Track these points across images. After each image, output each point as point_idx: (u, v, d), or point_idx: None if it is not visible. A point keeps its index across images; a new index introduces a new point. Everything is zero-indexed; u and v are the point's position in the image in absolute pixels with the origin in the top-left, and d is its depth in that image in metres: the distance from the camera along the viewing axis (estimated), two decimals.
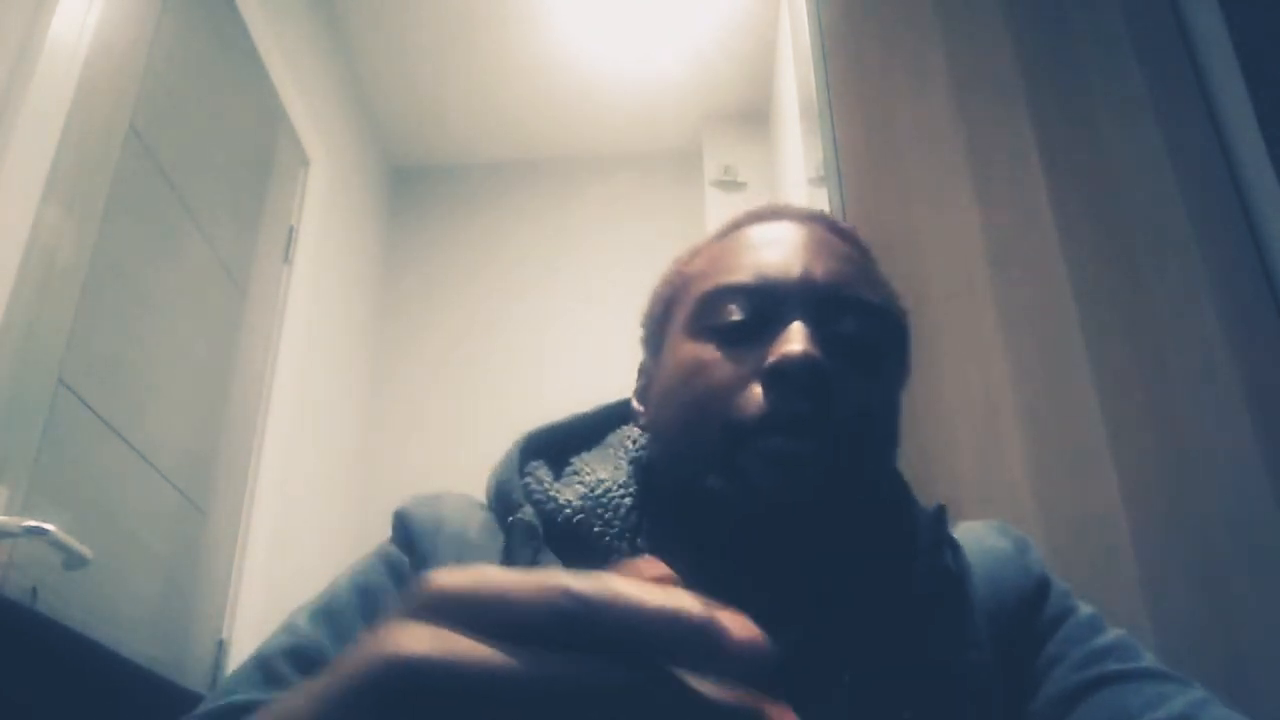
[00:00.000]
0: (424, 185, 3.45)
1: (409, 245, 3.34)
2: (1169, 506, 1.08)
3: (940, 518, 0.61)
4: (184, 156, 1.87)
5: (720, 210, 3.05)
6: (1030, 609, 0.60)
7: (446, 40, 2.94)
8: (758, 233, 0.63)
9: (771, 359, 0.54)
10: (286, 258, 2.41)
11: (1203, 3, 1.33)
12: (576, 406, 0.70)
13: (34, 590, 1.32)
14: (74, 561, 1.35)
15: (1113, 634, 0.59)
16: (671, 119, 3.25)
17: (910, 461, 1.12)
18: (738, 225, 0.66)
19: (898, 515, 0.62)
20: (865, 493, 0.57)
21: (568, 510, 0.59)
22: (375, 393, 3.09)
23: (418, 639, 0.24)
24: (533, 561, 0.56)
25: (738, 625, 0.24)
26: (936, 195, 1.28)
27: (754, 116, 3.19)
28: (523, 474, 0.62)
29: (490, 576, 0.26)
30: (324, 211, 2.64)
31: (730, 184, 3.10)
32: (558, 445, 0.66)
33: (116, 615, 1.56)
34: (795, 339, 0.54)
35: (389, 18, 2.86)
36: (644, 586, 0.25)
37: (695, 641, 0.23)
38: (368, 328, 3.13)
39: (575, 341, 3.03)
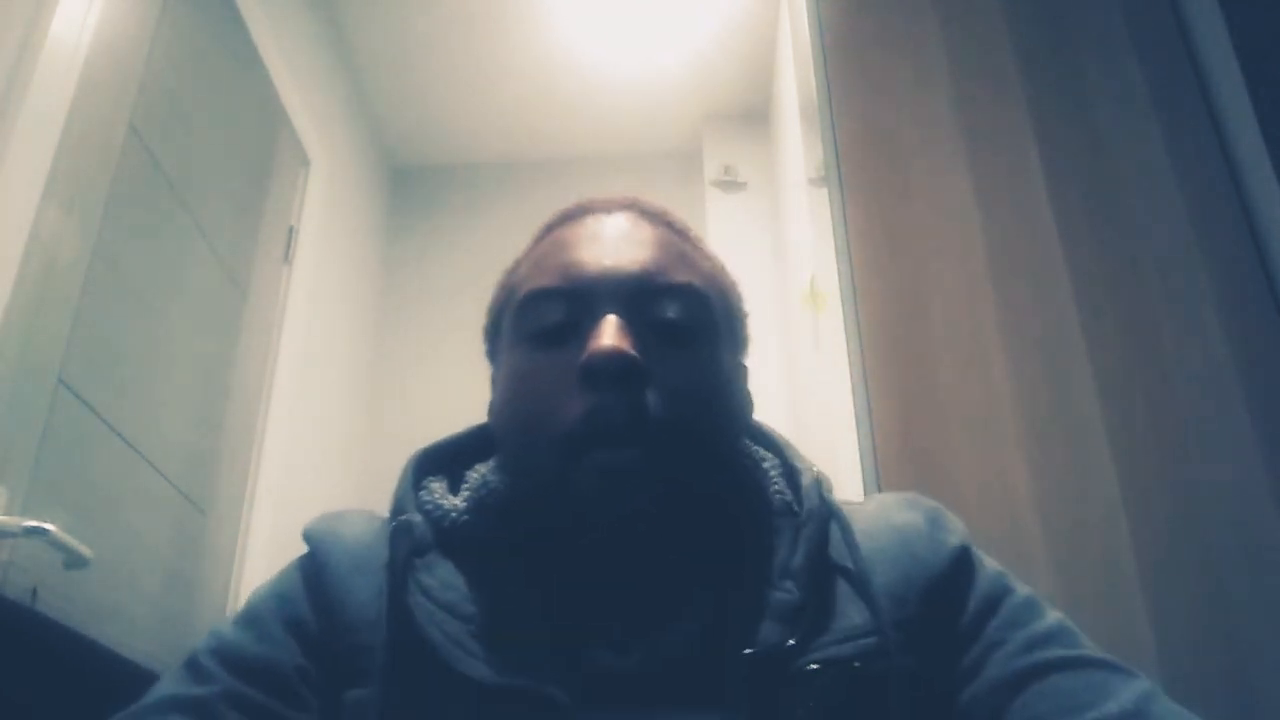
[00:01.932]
0: (424, 185, 3.45)
1: (409, 245, 3.34)
2: (1169, 506, 1.08)
3: (820, 490, 0.61)
4: (184, 156, 1.87)
5: (720, 210, 3.05)
6: (948, 586, 0.58)
7: (446, 41, 2.94)
8: (566, 232, 0.64)
9: (582, 358, 0.55)
10: (286, 258, 2.41)
11: (1203, 3, 1.33)
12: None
13: (34, 590, 1.32)
14: (74, 561, 1.35)
15: (1052, 618, 0.58)
16: (671, 119, 3.25)
17: (910, 462, 1.12)
18: (549, 227, 0.67)
19: (752, 496, 0.62)
20: (700, 483, 0.57)
21: (453, 514, 0.61)
22: (375, 392, 3.09)
23: None
24: (412, 553, 0.58)
25: None
26: (936, 195, 1.28)
27: (754, 116, 3.19)
28: (419, 489, 0.64)
29: None
30: (324, 211, 2.64)
31: (730, 184, 3.10)
32: (456, 459, 0.68)
33: (117, 615, 1.56)
34: (603, 334, 0.55)
35: (389, 18, 2.86)
36: None
37: None
38: (368, 328, 3.13)
39: None
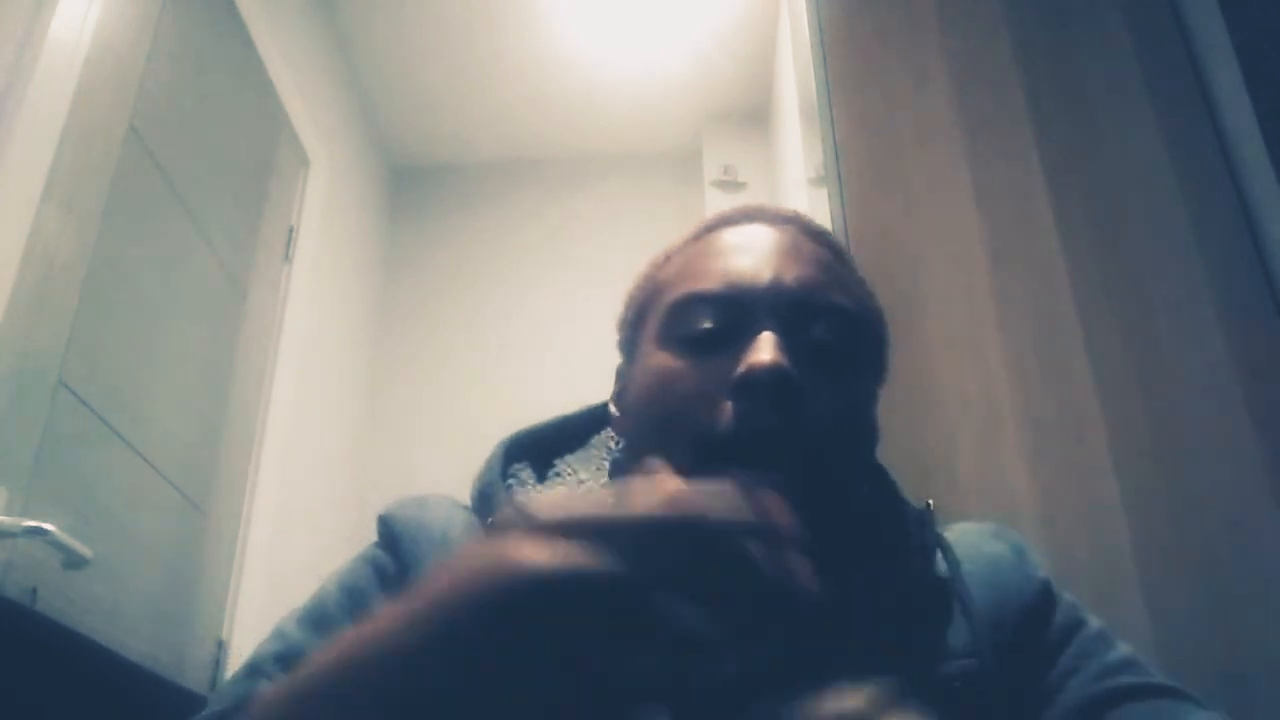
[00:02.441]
0: (424, 185, 3.45)
1: (409, 245, 3.34)
2: (1169, 506, 1.08)
3: (926, 519, 0.61)
4: (184, 156, 1.87)
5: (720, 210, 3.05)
6: (1036, 616, 0.60)
7: (446, 40, 2.94)
8: (728, 237, 0.63)
9: (740, 370, 0.53)
10: (286, 258, 2.41)
11: (1203, 3, 1.33)
12: (575, 406, 0.70)
13: (34, 590, 1.32)
14: (74, 561, 1.35)
15: (1124, 649, 0.60)
16: (671, 119, 3.25)
17: (910, 462, 1.12)
18: (710, 228, 0.65)
19: (882, 519, 0.61)
20: (839, 505, 0.56)
21: None
22: (375, 392, 3.09)
23: (538, 552, 0.27)
24: None
25: (778, 509, 0.32)
26: (936, 195, 1.28)
27: (754, 116, 3.19)
28: (506, 476, 0.62)
29: (587, 500, 0.30)
30: (324, 211, 2.64)
31: (730, 184, 3.10)
32: (542, 447, 0.66)
33: (116, 615, 1.56)
34: (764, 349, 0.53)
35: (389, 18, 2.86)
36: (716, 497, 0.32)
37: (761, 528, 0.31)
38: (368, 327, 3.13)
39: (574, 341, 3.03)
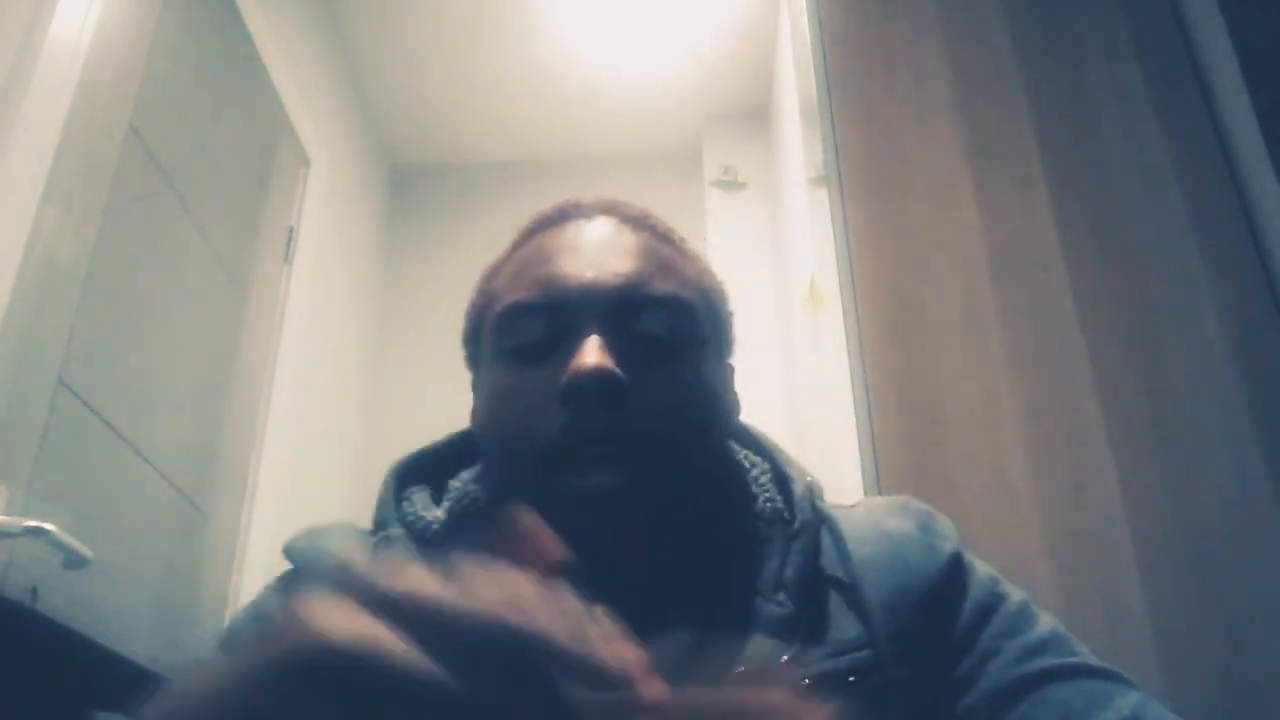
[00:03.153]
0: (424, 185, 3.45)
1: (409, 245, 3.34)
2: (1169, 506, 1.08)
3: (812, 498, 0.60)
4: (184, 156, 1.87)
5: (720, 210, 3.05)
6: (943, 596, 0.57)
7: (446, 40, 2.94)
8: (546, 241, 0.62)
9: (564, 378, 0.53)
10: (286, 258, 2.41)
11: (1203, 3, 1.33)
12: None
13: (34, 590, 1.32)
14: (74, 561, 1.35)
15: (1046, 624, 0.57)
16: (671, 119, 3.25)
17: (909, 461, 1.12)
18: (530, 233, 0.65)
19: (740, 507, 0.60)
20: (685, 501, 0.56)
21: (435, 526, 0.60)
22: (375, 392, 3.09)
23: (337, 620, 0.26)
24: None
25: (645, 680, 0.28)
26: (936, 195, 1.28)
27: (754, 116, 3.19)
28: (400, 500, 0.63)
29: (420, 578, 0.28)
30: (324, 211, 2.64)
31: (730, 184, 3.10)
32: (438, 468, 0.66)
33: (116, 615, 1.56)
34: (586, 353, 0.53)
35: (389, 18, 2.86)
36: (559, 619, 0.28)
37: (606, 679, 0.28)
38: (367, 327, 3.13)
39: None
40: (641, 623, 0.54)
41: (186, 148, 1.89)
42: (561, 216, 0.64)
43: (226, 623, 0.62)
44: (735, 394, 0.64)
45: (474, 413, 0.66)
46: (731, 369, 0.65)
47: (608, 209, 0.64)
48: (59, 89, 1.48)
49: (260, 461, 2.18)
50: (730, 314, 0.66)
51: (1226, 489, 1.08)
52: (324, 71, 2.79)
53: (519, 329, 0.58)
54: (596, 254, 0.59)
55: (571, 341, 0.55)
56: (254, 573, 2.05)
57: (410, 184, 3.44)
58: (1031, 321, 1.20)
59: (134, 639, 1.58)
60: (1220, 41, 1.29)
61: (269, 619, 0.59)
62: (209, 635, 1.92)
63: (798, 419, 2.38)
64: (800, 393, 2.35)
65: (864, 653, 0.53)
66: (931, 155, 1.31)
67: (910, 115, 1.34)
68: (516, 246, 0.66)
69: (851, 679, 0.52)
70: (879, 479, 1.12)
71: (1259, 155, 1.22)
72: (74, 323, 1.49)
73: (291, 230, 2.44)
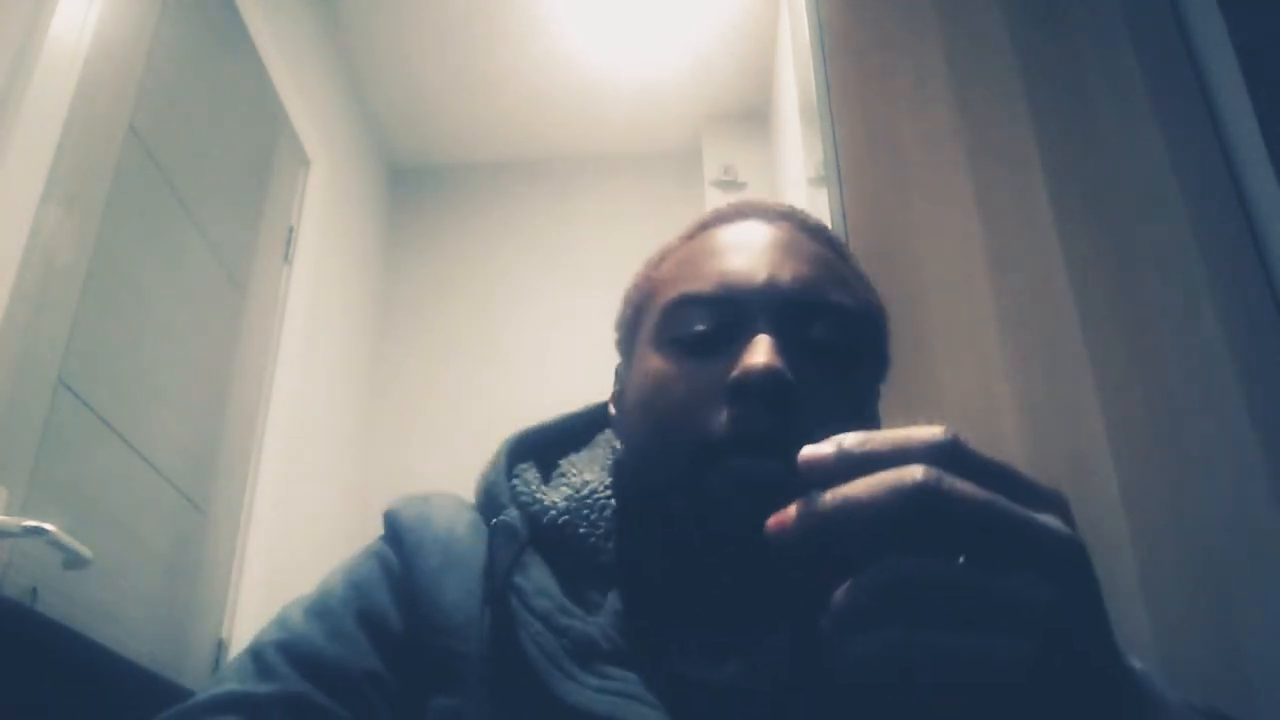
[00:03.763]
0: (424, 185, 3.45)
1: (409, 245, 3.34)
2: (1169, 506, 1.08)
3: None
4: (184, 156, 1.87)
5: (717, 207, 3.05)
6: None
7: (446, 40, 2.94)
8: (723, 236, 0.62)
9: (734, 374, 0.53)
10: (286, 258, 2.41)
11: (1203, 3, 1.33)
12: (575, 406, 0.70)
13: (34, 590, 1.32)
14: (74, 561, 1.35)
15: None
16: (671, 119, 3.25)
17: None
18: (704, 226, 0.65)
19: None
20: None
21: (553, 512, 0.59)
22: (375, 392, 3.09)
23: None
24: (514, 562, 0.56)
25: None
26: (936, 195, 1.28)
27: (754, 116, 3.19)
28: (511, 476, 0.62)
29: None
30: (324, 211, 2.64)
31: (730, 184, 3.10)
32: (547, 446, 0.65)
33: (116, 615, 1.56)
34: (758, 352, 0.53)
35: (389, 18, 2.86)
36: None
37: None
38: (368, 327, 3.13)
39: (574, 341, 3.03)
40: (753, 619, 0.54)
41: (186, 148, 1.89)
42: (739, 214, 0.64)
43: (319, 585, 0.60)
44: (879, 417, 0.64)
45: (618, 398, 0.65)
46: (880, 393, 0.64)
47: (786, 215, 0.64)
48: (59, 89, 1.48)
49: (260, 461, 2.18)
50: (889, 336, 0.65)
51: (1226, 488, 1.08)
52: (324, 71, 2.79)
53: (687, 319, 0.57)
54: (773, 254, 0.59)
55: (740, 339, 0.55)
56: (254, 573, 2.05)
57: (410, 184, 3.44)
58: (1031, 321, 1.20)
59: (134, 639, 1.58)
60: (1220, 41, 1.29)
61: (366, 587, 0.58)
62: (209, 636, 1.92)
63: None
64: None
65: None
66: (931, 155, 1.31)
67: (910, 115, 1.34)
68: (688, 238, 0.65)
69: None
70: None
71: (1259, 155, 1.22)
72: (74, 323, 1.49)
73: (291, 230, 2.44)
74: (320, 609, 0.57)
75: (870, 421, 0.61)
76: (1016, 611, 0.32)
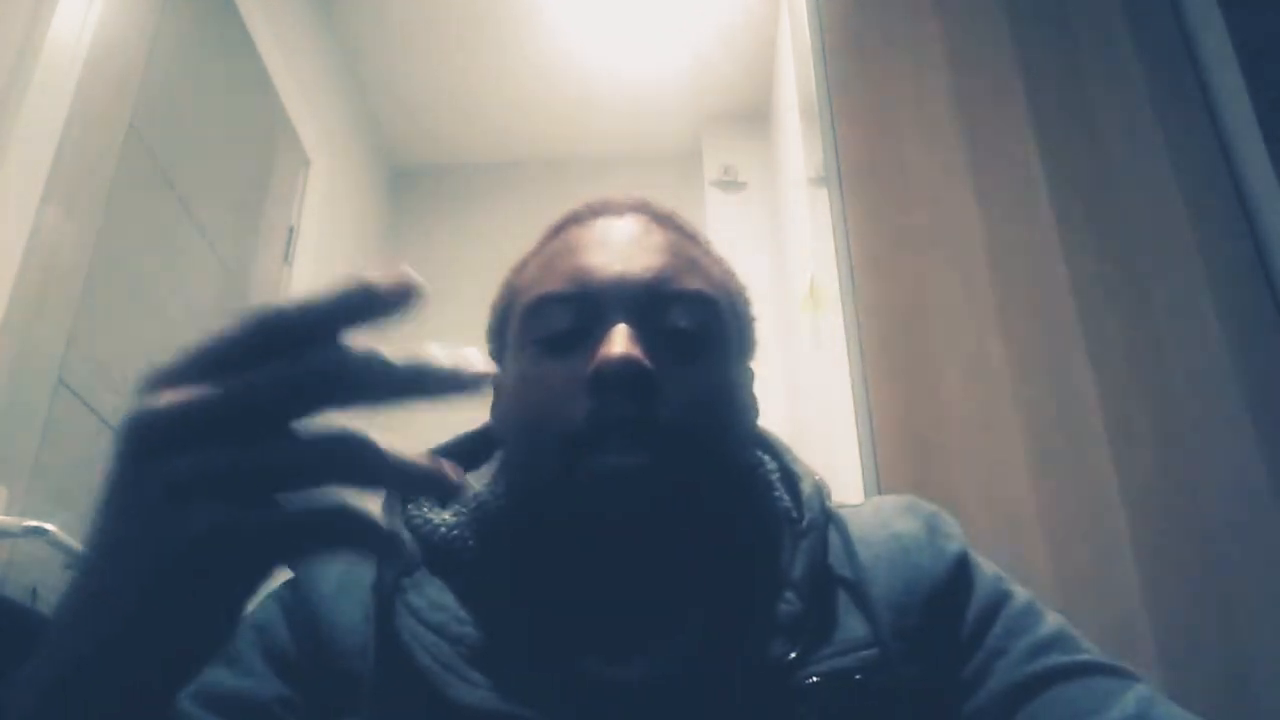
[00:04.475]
0: (424, 185, 3.45)
1: (409, 245, 3.34)
2: (1169, 506, 1.08)
3: (820, 496, 0.60)
4: (184, 156, 1.87)
5: (720, 210, 3.05)
6: (950, 595, 0.58)
7: (446, 40, 2.94)
8: (577, 235, 0.63)
9: (592, 365, 0.54)
10: (286, 258, 2.41)
11: (1203, 3, 1.33)
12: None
13: (34, 590, 1.32)
14: (74, 561, 1.35)
15: (1052, 622, 0.58)
16: (671, 119, 3.25)
17: (909, 461, 1.12)
18: (559, 228, 0.66)
19: (755, 504, 0.61)
20: (707, 490, 0.56)
21: (442, 530, 0.60)
22: None
23: (152, 400, 0.32)
24: (400, 578, 0.57)
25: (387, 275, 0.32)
26: (936, 195, 1.28)
27: (754, 116, 3.19)
28: (407, 501, 0.62)
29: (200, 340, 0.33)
30: (324, 211, 2.64)
31: (730, 184, 3.10)
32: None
33: None
34: (614, 342, 0.54)
35: (389, 18, 2.86)
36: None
37: (358, 303, 0.33)
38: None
39: None
40: (654, 615, 0.55)
41: (186, 147, 1.89)
42: (591, 213, 0.65)
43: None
44: (755, 397, 0.65)
45: (494, 405, 0.66)
46: (751, 372, 0.65)
47: (637, 207, 0.65)
48: (59, 89, 1.48)
49: None
50: (753, 317, 0.66)
51: (1226, 488, 1.08)
52: (324, 71, 2.79)
53: (547, 319, 0.59)
54: (626, 249, 0.60)
55: (599, 332, 0.56)
56: None
57: (410, 184, 3.44)
58: (1031, 321, 1.20)
59: None
60: (1220, 41, 1.29)
61: (269, 628, 0.58)
62: None
63: (798, 419, 2.38)
64: (800, 392, 2.35)
65: (871, 651, 0.54)
66: (931, 155, 1.31)
67: (910, 115, 1.34)
68: (545, 241, 0.66)
69: (858, 677, 0.53)
70: (879, 478, 1.12)
71: (1259, 155, 1.22)
72: (74, 323, 1.49)
73: (291, 230, 2.44)
74: (227, 657, 0.58)
75: (742, 401, 0.62)
76: None
